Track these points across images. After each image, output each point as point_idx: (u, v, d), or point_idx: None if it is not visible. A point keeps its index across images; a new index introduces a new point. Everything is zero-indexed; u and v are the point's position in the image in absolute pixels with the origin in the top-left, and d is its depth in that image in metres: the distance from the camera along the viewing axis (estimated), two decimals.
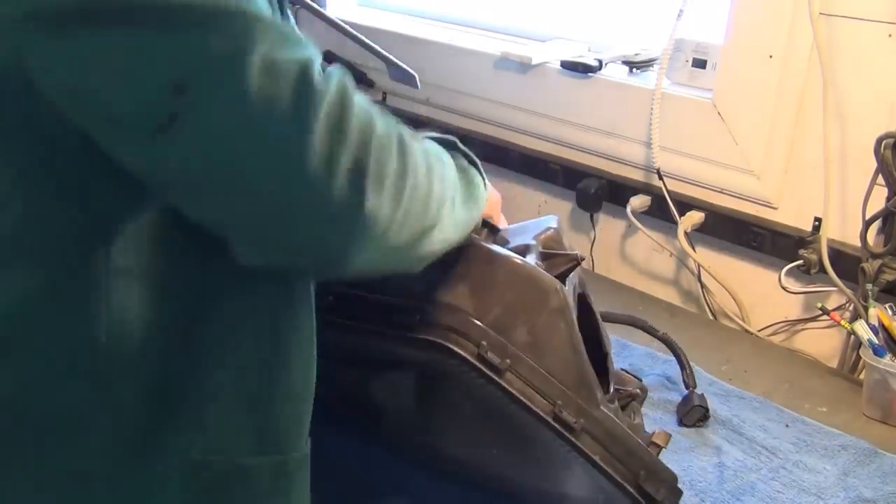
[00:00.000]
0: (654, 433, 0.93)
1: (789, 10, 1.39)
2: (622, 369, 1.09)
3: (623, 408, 1.00)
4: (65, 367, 0.63)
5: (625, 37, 1.76)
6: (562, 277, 0.91)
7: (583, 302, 0.98)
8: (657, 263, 1.69)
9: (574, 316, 0.86)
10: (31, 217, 0.61)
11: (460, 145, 0.86)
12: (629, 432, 0.87)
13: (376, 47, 1.19)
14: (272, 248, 0.61)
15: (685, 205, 1.57)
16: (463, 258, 0.85)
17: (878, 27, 1.33)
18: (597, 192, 1.67)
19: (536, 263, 0.89)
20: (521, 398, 0.82)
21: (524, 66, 1.75)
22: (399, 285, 0.85)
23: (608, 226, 1.73)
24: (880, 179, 1.33)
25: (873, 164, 1.33)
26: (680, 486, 1.06)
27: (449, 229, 0.73)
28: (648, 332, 1.24)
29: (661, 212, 1.60)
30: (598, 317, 1.02)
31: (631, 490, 0.85)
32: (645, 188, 1.63)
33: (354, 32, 1.52)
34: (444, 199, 0.71)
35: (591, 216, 1.72)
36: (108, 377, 0.63)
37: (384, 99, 2.00)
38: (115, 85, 0.55)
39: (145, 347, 0.64)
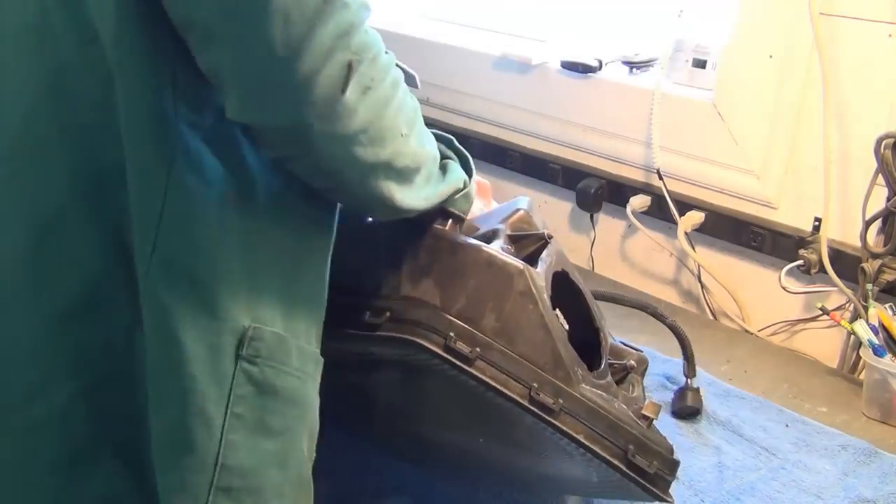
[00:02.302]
0: (643, 405, 0.91)
1: (789, 10, 1.39)
2: (622, 342, 1.07)
3: (620, 381, 0.99)
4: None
5: (625, 37, 1.76)
6: (532, 257, 0.91)
7: (565, 279, 0.96)
8: (657, 263, 1.69)
9: (545, 296, 0.85)
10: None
11: (455, 143, 0.92)
12: (615, 407, 0.86)
13: None
14: (261, 97, 0.67)
15: (685, 205, 1.57)
16: (427, 250, 0.86)
17: (878, 27, 1.33)
18: (597, 192, 1.67)
19: (504, 248, 0.89)
20: (495, 385, 0.81)
21: (524, 66, 1.75)
22: (368, 283, 0.87)
23: (608, 226, 1.73)
24: (880, 179, 1.33)
25: (873, 164, 1.33)
26: (680, 485, 1.06)
27: (419, 191, 0.80)
28: (658, 318, 1.21)
29: (661, 212, 1.60)
30: (587, 292, 1.00)
31: (621, 466, 0.84)
32: (645, 188, 1.63)
33: None
34: (419, 163, 0.78)
35: (591, 216, 1.72)
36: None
37: None
38: None
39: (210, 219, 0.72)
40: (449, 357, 0.81)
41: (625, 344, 1.07)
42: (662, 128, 1.57)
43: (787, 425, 1.20)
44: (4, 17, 0.72)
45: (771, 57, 1.42)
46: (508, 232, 0.92)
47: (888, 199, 1.33)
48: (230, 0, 0.64)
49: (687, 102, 1.55)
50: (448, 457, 1.04)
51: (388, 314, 0.84)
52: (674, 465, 0.87)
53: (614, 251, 1.74)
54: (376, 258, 0.88)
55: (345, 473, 1.03)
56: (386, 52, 0.72)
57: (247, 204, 0.74)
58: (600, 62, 1.66)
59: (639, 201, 1.61)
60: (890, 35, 1.32)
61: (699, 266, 1.60)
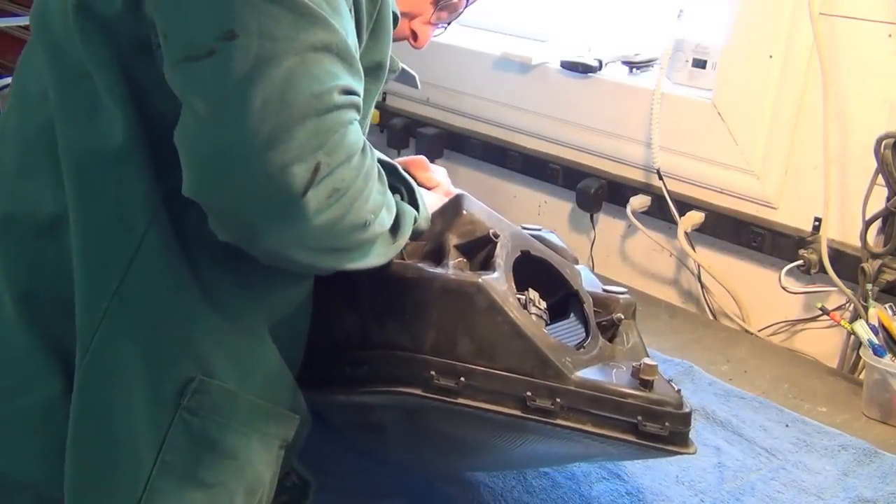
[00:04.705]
0: (640, 367, 0.88)
1: (789, 10, 1.39)
2: (604, 289, 1.05)
3: (612, 337, 0.98)
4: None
5: (625, 37, 1.76)
6: (487, 260, 0.90)
7: (528, 257, 0.95)
8: (657, 263, 1.69)
9: (512, 299, 0.85)
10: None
11: (401, 171, 0.90)
12: (615, 380, 0.85)
13: None
14: (214, 188, 0.67)
15: (685, 205, 1.57)
16: (382, 293, 0.85)
17: (878, 27, 1.33)
18: (597, 192, 1.67)
19: (456, 262, 0.88)
20: (488, 407, 0.81)
21: (524, 66, 1.75)
22: (336, 334, 0.88)
23: (608, 226, 1.73)
24: (880, 179, 1.33)
25: (873, 164, 1.33)
26: (680, 485, 1.06)
27: (369, 260, 0.79)
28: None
29: (661, 212, 1.60)
30: (554, 260, 0.99)
31: (634, 439, 0.84)
32: (645, 188, 1.63)
33: None
34: (376, 238, 0.77)
35: (591, 216, 1.72)
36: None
37: (384, 99, 2.00)
38: (196, 5, 0.65)
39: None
40: (435, 396, 0.81)
41: (606, 290, 1.04)
42: (662, 128, 1.57)
43: (787, 425, 1.20)
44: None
45: (771, 57, 1.42)
46: (456, 241, 0.91)
47: (888, 199, 1.33)
48: (216, 72, 0.64)
49: (687, 102, 1.55)
50: (465, 463, 1.04)
51: (365, 367, 0.84)
52: (687, 418, 0.86)
53: (614, 251, 1.74)
54: (336, 307, 0.88)
55: (341, 477, 1.03)
56: (363, 151, 0.71)
57: (215, 263, 0.75)
58: (600, 62, 1.66)
59: (639, 201, 1.61)
60: (890, 35, 1.32)
61: (699, 266, 1.60)
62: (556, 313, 0.94)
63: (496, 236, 0.91)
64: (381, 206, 0.75)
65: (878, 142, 1.31)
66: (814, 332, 1.50)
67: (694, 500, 1.05)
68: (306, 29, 0.65)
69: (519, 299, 0.87)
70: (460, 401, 0.81)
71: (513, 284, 0.87)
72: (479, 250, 0.91)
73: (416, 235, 0.89)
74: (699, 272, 1.61)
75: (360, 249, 0.75)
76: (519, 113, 1.80)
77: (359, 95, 0.70)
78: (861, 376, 1.35)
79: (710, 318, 1.59)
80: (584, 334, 0.93)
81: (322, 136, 0.65)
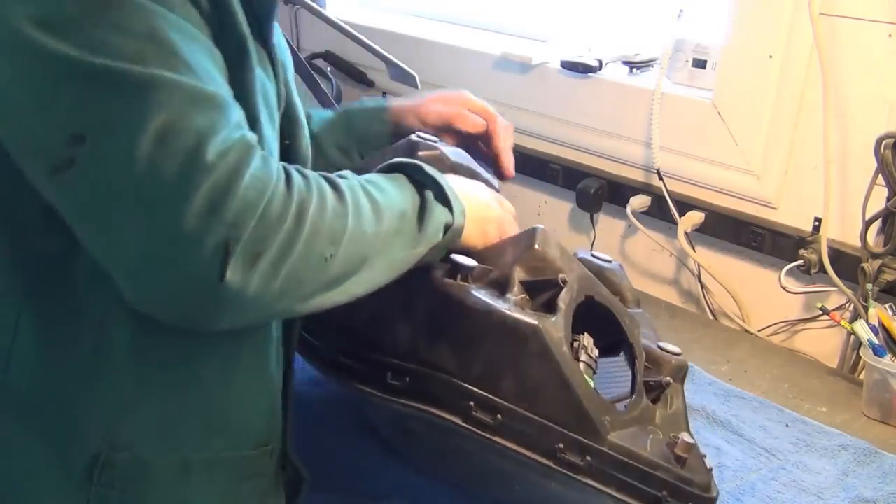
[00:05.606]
0: (677, 442, 0.87)
1: (789, 10, 1.39)
2: (659, 346, 1.03)
3: (656, 399, 0.97)
4: None
5: (625, 37, 1.76)
6: (550, 304, 0.88)
7: (595, 305, 0.94)
8: (657, 263, 1.69)
9: (565, 349, 0.83)
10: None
11: (425, 169, 0.83)
12: (648, 450, 0.85)
13: (376, 47, 1.19)
14: (141, 297, 0.64)
15: (685, 205, 1.57)
16: (438, 312, 0.84)
17: (878, 27, 1.33)
18: (597, 192, 1.67)
19: (519, 299, 0.87)
20: (518, 449, 0.81)
21: (524, 66, 1.75)
22: (385, 339, 0.87)
23: (608, 226, 1.73)
24: (880, 179, 1.33)
25: (873, 164, 1.33)
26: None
27: (372, 276, 0.74)
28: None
29: (661, 212, 1.60)
30: (617, 309, 0.98)
31: None
32: (645, 188, 1.63)
33: (354, 32, 1.52)
34: (365, 256, 0.72)
35: (591, 216, 1.72)
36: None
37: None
38: (30, 119, 0.61)
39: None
40: (470, 427, 0.81)
41: (661, 347, 1.02)
42: (662, 128, 1.57)
43: (787, 425, 1.20)
44: None
45: (771, 57, 1.42)
46: (522, 276, 0.89)
47: (888, 199, 1.33)
48: (84, 184, 0.61)
49: (687, 102, 1.55)
50: (485, 490, 1.04)
51: (407, 378, 0.84)
52: (711, 502, 0.87)
53: (614, 251, 1.74)
54: (391, 312, 0.86)
55: (340, 477, 1.03)
56: (293, 175, 0.66)
57: (117, 325, 0.71)
58: (600, 62, 1.66)
59: (639, 201, 1.61)
60: (890, 35, 1.32)
61: (699, 266, 1.60)
62: (609, 352, 0.95)
63: (564, 282, 0.89)
64: (342, 230, 0.69)
65: (878, 142, 1.31)
66: (814, 332, 1.50)
67: None
68: (144, 100, 0.60)
69: (572, 345, 0.86)
70: (493, 437, 0.81)
71: (570, 330, 0.86)
72: (542, 294, 0.90)
73: (458, 232, 0.84)
74: (699, 272, 1.61)
75: (338, 278, 0.70)
76: (519, 113, 1.80)
77: (240, 129, 0.64)
78: (861, 376, 1.35)
79: (710, 318, 1.59)
80: (629, 386, 0.92)
81: (214, 209, 0.60)
